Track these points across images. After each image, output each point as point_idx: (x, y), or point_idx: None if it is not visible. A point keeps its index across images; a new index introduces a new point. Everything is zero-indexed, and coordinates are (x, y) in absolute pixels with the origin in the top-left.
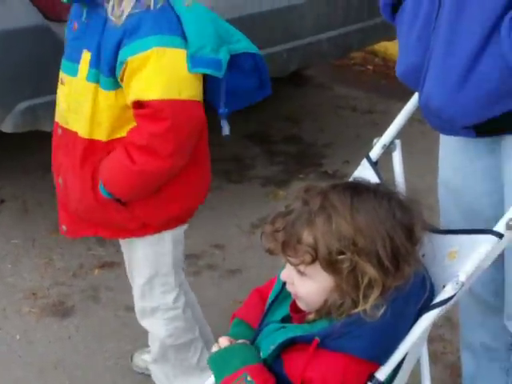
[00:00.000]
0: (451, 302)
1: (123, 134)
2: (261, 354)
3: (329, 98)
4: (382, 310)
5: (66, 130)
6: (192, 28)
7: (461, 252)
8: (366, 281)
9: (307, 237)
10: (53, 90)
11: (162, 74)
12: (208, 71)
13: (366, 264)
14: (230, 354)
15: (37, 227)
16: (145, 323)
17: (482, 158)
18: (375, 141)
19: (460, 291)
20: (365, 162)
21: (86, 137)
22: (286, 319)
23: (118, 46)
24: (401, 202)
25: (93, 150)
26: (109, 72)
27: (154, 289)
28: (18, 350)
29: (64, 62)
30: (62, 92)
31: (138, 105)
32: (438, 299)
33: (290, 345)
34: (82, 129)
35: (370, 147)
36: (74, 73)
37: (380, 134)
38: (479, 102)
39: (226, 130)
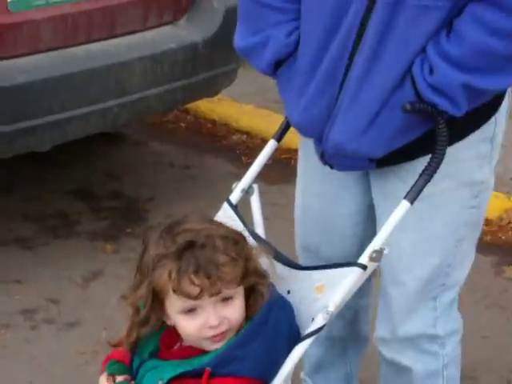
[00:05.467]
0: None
1: None
2: None
3: (145, 154)
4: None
5: None
6: None
7: (328, 285)
8: (260, 266)
9: (223, 258)
10: None
11: None
12: None
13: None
14: None
15: None
16: None
17: (352, 184)
18: (234, 185)
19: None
20: (225, 205)
21: None
22: (153, 353)
23: None
24: None
25: None
26: None
27: None
28: None
29: None
30: None
31: None
32: (310, 329)
33: (177, 379)
34: None
35: (191, 201)
36: None
37: (199, 187)
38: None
39: None
